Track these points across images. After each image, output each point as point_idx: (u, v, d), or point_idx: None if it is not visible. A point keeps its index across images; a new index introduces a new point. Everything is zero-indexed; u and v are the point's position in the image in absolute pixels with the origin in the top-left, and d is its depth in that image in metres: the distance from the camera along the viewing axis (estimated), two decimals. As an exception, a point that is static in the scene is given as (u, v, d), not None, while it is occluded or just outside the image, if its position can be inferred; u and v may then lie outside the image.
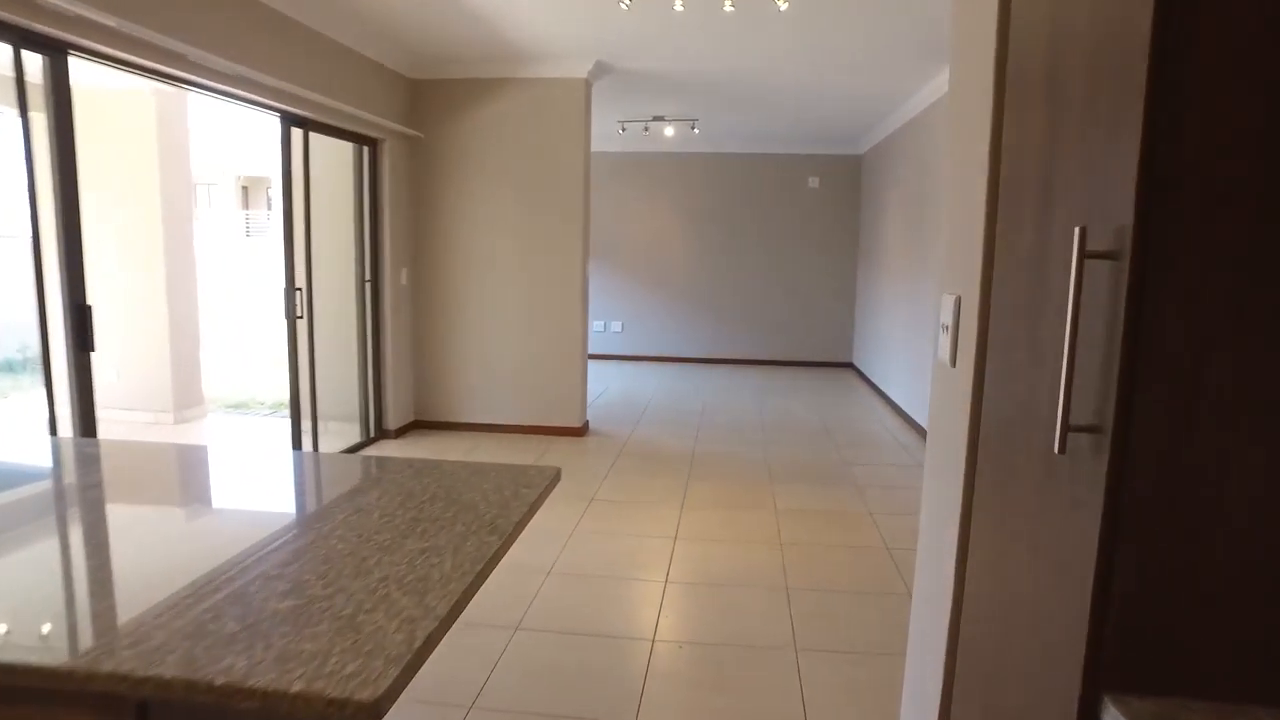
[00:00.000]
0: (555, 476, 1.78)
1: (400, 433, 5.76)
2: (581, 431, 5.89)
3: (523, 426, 5.88)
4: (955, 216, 1.93)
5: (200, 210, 15.47)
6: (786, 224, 9.63)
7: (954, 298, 1.79)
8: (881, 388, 7.81)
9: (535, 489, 1.68)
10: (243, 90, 3.92)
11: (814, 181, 9.52)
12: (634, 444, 5.67)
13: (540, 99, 5.61)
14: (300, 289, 4.64)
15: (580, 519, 4.10)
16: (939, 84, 5.99)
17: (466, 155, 5.76)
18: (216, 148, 12.96)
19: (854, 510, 4.27)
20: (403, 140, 5.62)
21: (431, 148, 5.80)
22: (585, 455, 5.34)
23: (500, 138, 5.70)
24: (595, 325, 9.96)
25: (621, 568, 3.50)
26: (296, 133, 4.55)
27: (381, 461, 1.91)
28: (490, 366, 5.90)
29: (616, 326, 10.00)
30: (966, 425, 1.59)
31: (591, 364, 9.53)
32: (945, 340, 1.79)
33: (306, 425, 4.80)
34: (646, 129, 7.87)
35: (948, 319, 1.78)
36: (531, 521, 1.59)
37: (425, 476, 1.75)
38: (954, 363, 1.75)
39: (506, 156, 5.70)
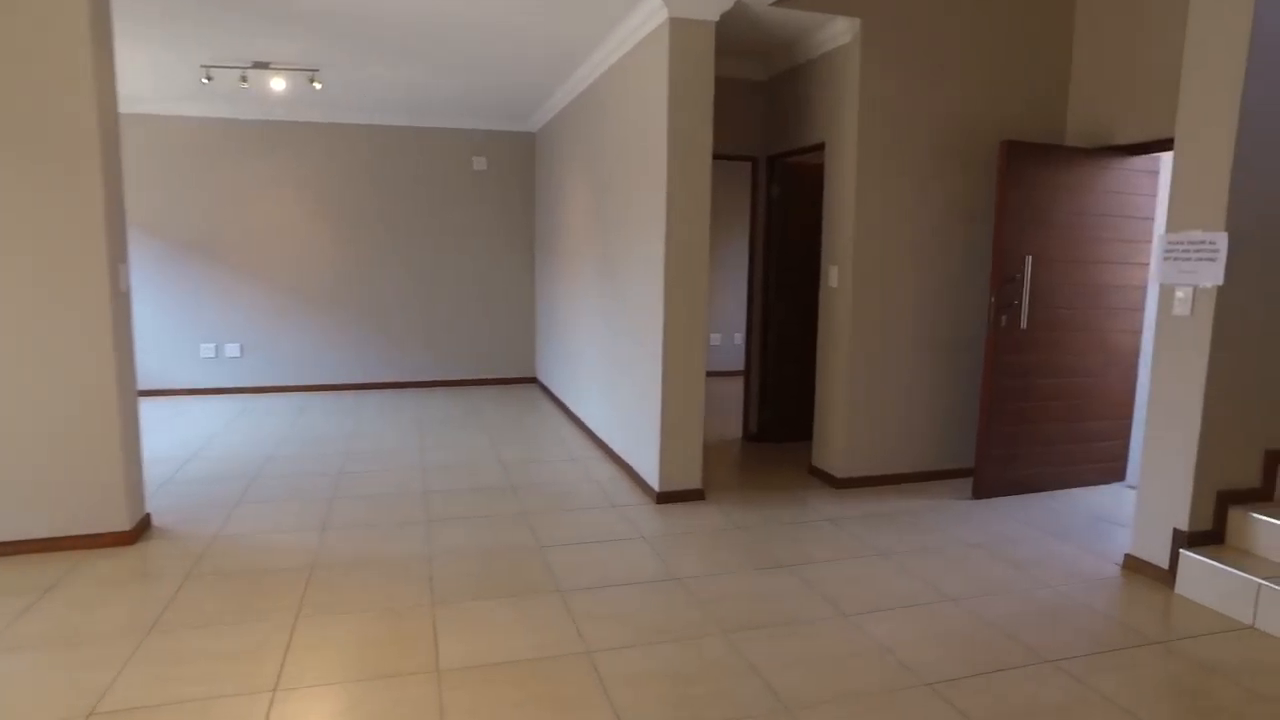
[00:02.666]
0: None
1: None
2: (131, 536, 3.73)
3: (20, 543, 3.57)
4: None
5: None
6: (449, 214, 7.96)
7: None
8: (570, 406, 6.52)
9: None
10: None
11: (479, 162, 7.96)
12: (219, 550, 3.67)
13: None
14: None
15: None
16: (621, 36, 4.73)
17: None
18: None
19: (565, 653, 2.78)
20: None
21: None
22: (121, 588, 3.25)
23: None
24: (204, 349, 7.47)
25: None
26: None
27: None
28: (-48, 446, 3.50)
29: (233, 350, 7.59)
30: None
31: (193, 403, 7.07)
32: None
33: None
34: (245, 79, 5.72)
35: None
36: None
37: None
38: None
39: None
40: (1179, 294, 3.33)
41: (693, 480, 4.48)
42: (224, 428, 6.19)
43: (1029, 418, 4.60)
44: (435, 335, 8.07)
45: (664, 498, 4.42)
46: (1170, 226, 3.39)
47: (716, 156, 5.36)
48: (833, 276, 4.74)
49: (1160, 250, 3.41)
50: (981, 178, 4.74)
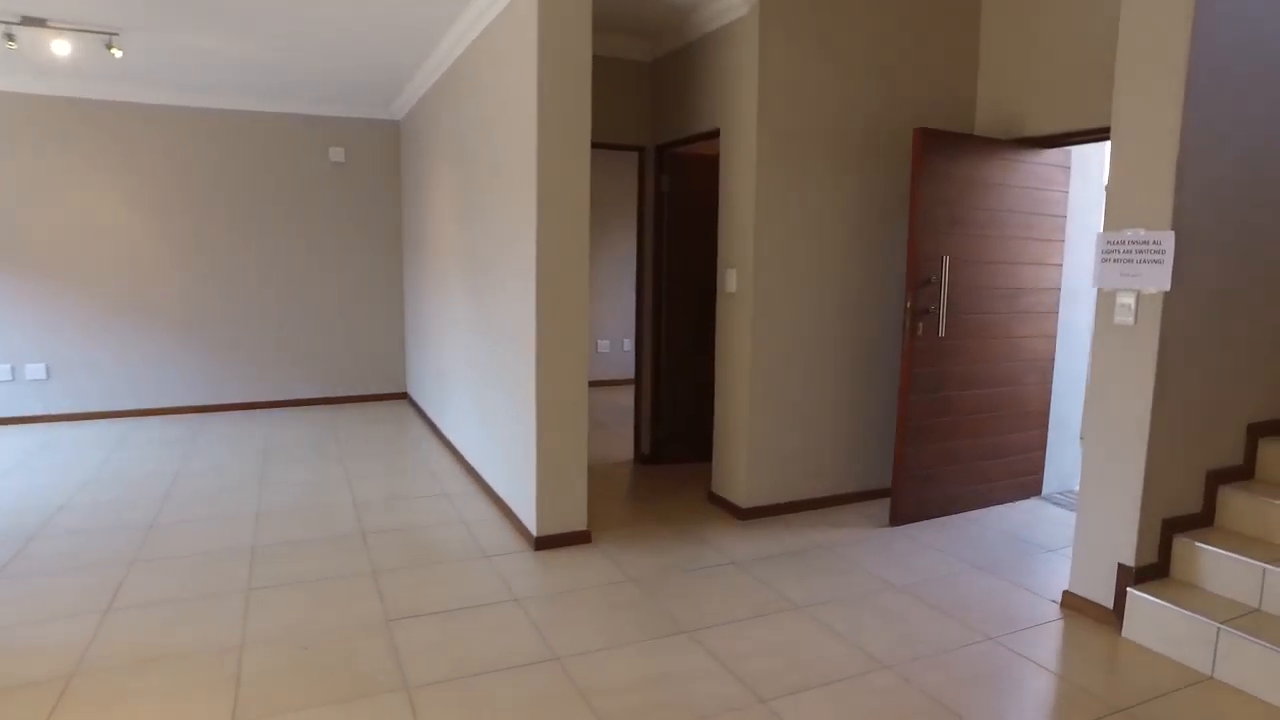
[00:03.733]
0: None
1: None
2: None
3: None
4: None
5: None
6: (305, 212, 7.03)
7: None
8: (442, 429, 5.77)
9: None
10: None
11: (337, 154, 7.06)
12: (-51, 652, 2.77)
13: None
14: None
15: None
16: (483, 3, 4.04)
17: None
18: None
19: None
20: None
21: None
22: None
23: None
24: (-1, 371, 6.29)
25: None
26: None
27: None
28: None
29: (36, 371, 6.41)
30: None
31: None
32: None
33: None
34: (11, 39, 4.65)
35: None
36: None
37: None
38: None
39: None
40: (1121, 300, 2.94)
41: (576, 520, 3.84)
42: (14, 467, 5.11)
43: (947, 434, 4.19)
44: (292, 348, 7.11)
45: (544, 543, 3.76)
46: (1109, 224, 3.00)
47: (598, 145, 4.74)
48: (730, 280, 4.20)
49: (1099, 251, 3.01)
50: (896, 172, 4.31)
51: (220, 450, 5.60)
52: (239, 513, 4.25)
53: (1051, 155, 4.29)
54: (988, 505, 4.46)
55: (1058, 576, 3.49)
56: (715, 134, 4.36)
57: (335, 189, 7.09)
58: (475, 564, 3.59)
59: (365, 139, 7.14)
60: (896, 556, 3.72)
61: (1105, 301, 3.01)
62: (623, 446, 5.76)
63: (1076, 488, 5.17)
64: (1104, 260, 2.98)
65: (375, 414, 6.92)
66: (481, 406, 4.70)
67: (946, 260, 3.96)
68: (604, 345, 8.51)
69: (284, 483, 4.80)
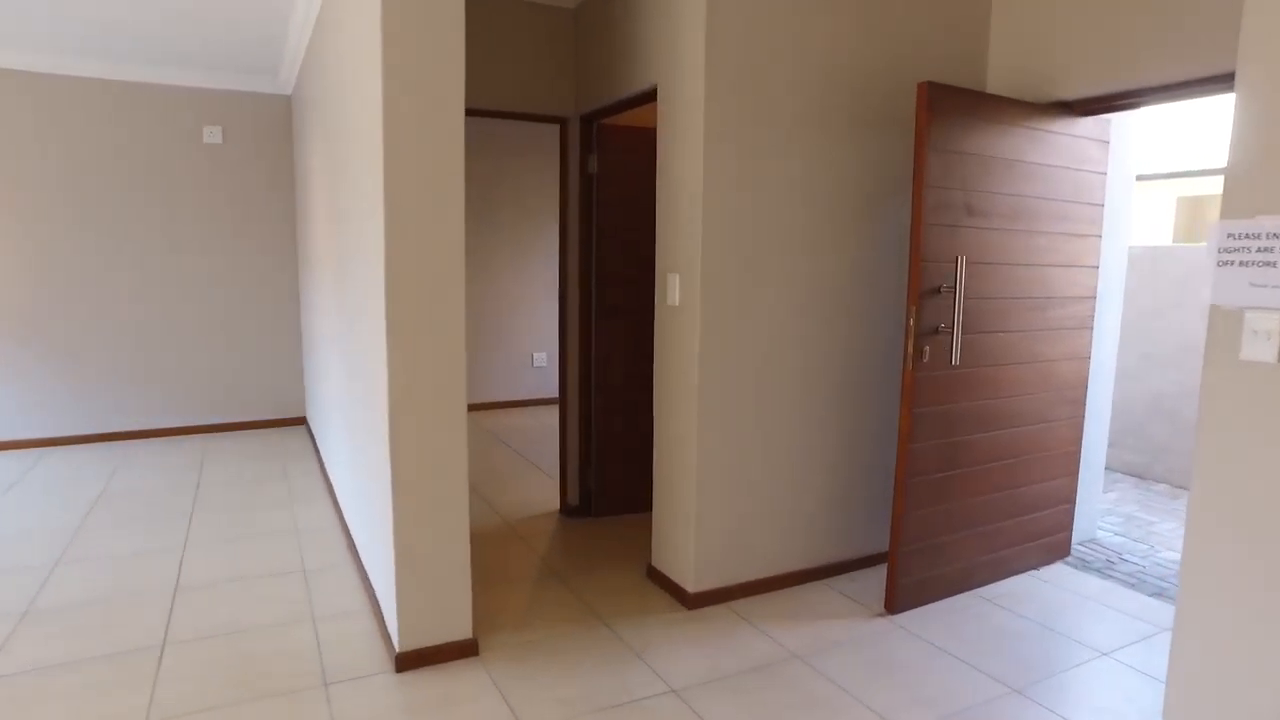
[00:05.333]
0: None
1: None
2: None
3: None
4: None
5: None
6: (175, 203, 5.83)
7: None
8: (329, 470, 4.63)
9: None
10: None
11: (213, 134, 5.87)
12: None
13: None
14: None
15: None
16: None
17: None
18: None
19: None
20: None
21: None
22: None
23: None
24: None
25: None
26: None
27: None
28: None
29: None
30: None
31: None
32: None
33: None
34: None
35: None
36: None
37: None
38: None
39: None
40: (1255, 323, 1.92)
41: (457, 626, 2.75)
42: None
43: (959, 490, 3.18)
44: (160, 367, 5.91)
45: (408, 661, 2.67)
46: (1228, 211, 1.98)
47: (508, 115, 3.66)
48: (672, 289, 3.14)
49: (1215, 249, 1.99)
50: (891, 144, 3.28)
51: (36, 503, 4.41)
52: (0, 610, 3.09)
53: (1088, 126, 3.29)
54: (1006, 575, 3.45)
55: (1134, 706, 2.48)
56: (653, 95, 3.29)
57: (211, 175, 5.90)
58: (306, 699, 2.49)
59: (249, 115, 5.96)
60: (900, 672, 2.69)
61: (1225, 325, 1.99)
62: (548, 492, 4.68)
63: (1098, 535, 4.22)
64: (1224, 263, 1.97)
65: (260, 446, 5.75)
66: (352, 448, 3.59)
67: (962, 262, 2.94)
68: (541, 359, 7.41)
69: (93, 556, 3.64)
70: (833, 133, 3.15)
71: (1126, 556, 3.83)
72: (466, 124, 6.75)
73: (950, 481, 3.14)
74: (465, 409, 2.67)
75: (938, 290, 2.96)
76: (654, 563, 3.41)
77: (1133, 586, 3.43)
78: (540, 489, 4.74)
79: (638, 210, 4.02)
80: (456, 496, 2.67)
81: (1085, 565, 3.64)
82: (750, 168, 2.99)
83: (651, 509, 3.50)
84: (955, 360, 2.96)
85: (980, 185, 2.99)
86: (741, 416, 3.12)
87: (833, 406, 3.33)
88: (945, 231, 2.93)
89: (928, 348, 2.96)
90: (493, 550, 3.75)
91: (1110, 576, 3.53)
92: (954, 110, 2.89)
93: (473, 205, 6.90)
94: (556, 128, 4.11)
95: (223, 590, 3.29)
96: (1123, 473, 5.40)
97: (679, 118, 3.04)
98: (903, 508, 3.03)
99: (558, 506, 4.39)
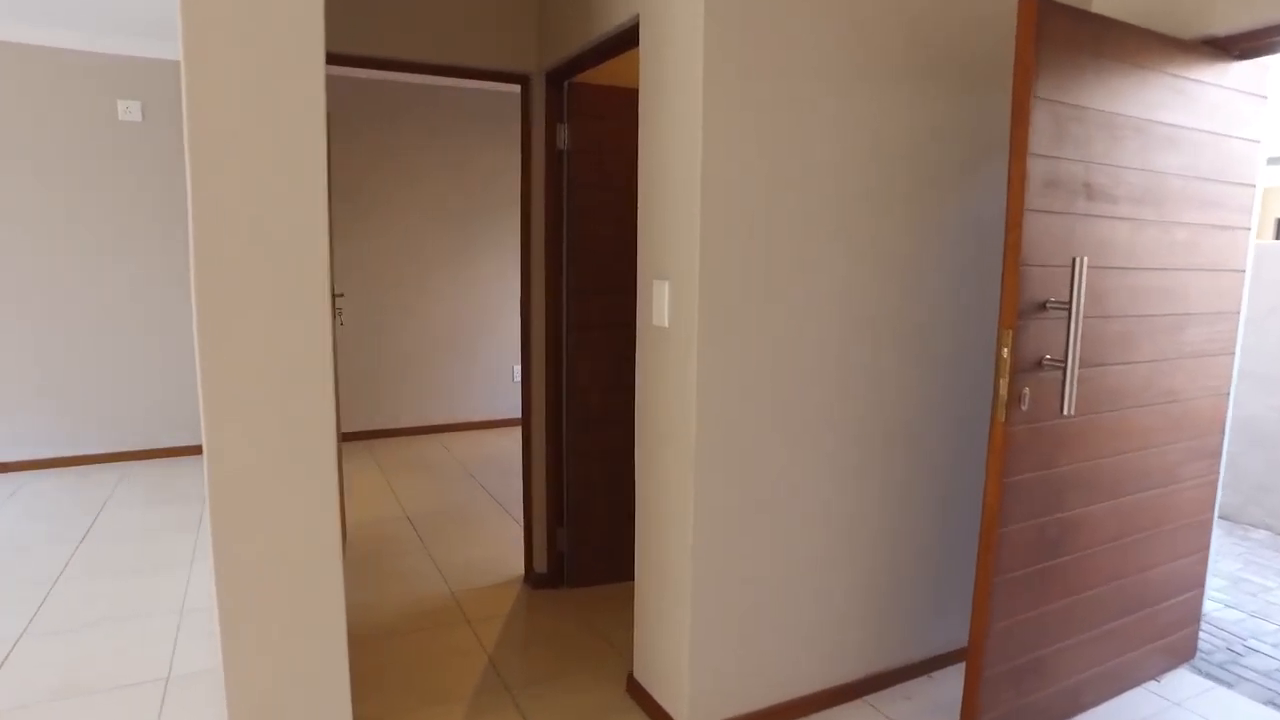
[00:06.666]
0: None
1: None
2: None
3: None
4: None
5: None
6: (80, 190, 4.94)
7: None
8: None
9: None
10: None
11: (129, 110, 4.98)
12: None
13: None
14: None
15: None
16: None
17: None
18: None
19: None
20: None
21: None
22: None
23: None
24: None
25: None
26: None
27: None
28: None
29: None
30: None
31: None
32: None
33: None
34: None
35: None
36: None
37: None
38: None
39: None
40: None
41: (335, 813, 1.85)
42: None
43: (1062, 585, 2.26)
44: (53, 384, 5.03)
45: None
46: None
47: (437, 70, 2.77)
48: (659, 304, 2.22)
49: None
50: (967, 98, 2.36)
51: (-125, 563, 3.53)
52: None
53: (1243, 74, 2.36)
54: (1117, 692, 2.53)
55: None
56: (633, 35, 2.38)
57: (128, 158, 5.01)
58: None
59: (173, 90, 5.06)
60: None
61: None
62: (515, 548, 3.78)
63: (1206, 608, 3.12)
64: None
65: (167, 481, 4.84)
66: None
67: (1081, 265, 2.00)
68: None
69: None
70: (882, 78, 2.23)
71: (1253, 643, 2.93)
72: (418, 93, 5.76)
73: (1051, 575, 2.22)
74: (336, 480, 1.76)
75: (1042, 306, 2.03)
76: (636, 673, 2.50)
77: (1273, 703, 2.51)
78: (505, 544, 3.84)
79: (624, 197, 3.11)
80: (325, 614, 1.77)
81: (1221, 677, 2.70)
82: (765, 124, 2.07)
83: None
84: (1068, 409, 2.03)
85: (1106, 156, 2.07)
86: (754, 479, 2.21)
87: (877, 465, 2.41)
88: (1056, 222, 2.01)
89: (1027, 390, 2.04)
90: (428, 643, 2.85)
91: (1242, 679, 2.61)
92: (1073, 44, 1.97)
93: (434, 193, 6.00)
94: (517, 90, 3.19)
95: (45, 714, 2.39)
96: (1217, 517, 4.45)
97: (668, 62, 2.12)
98: (987, 619, 2.11)
99: (522, 572, 3.48)
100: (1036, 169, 1.95)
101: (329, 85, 5.51)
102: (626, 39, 2.46)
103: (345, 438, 5.87)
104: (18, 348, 4.88)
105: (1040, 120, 1.94)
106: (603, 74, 3.01)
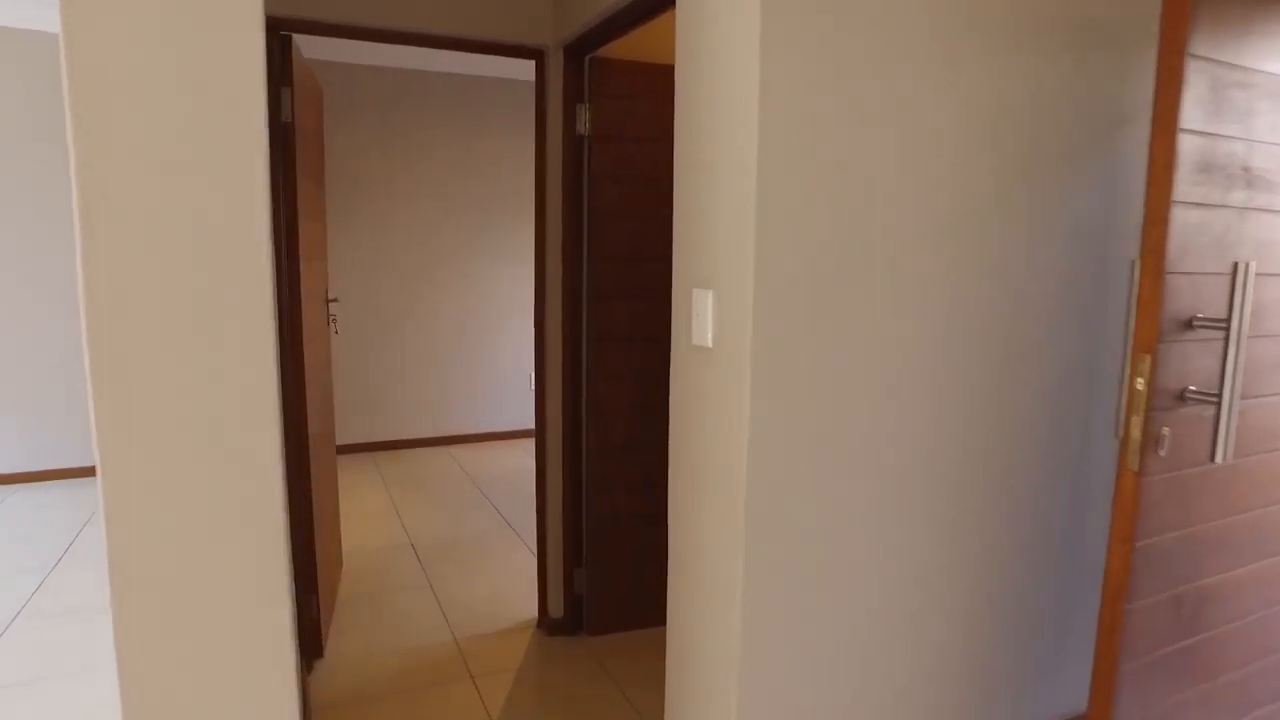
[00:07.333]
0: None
1: None
2: None
3: None
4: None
5: None
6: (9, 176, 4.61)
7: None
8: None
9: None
10: None
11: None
12: None
13: None
14: None
15: None
16: None
17: None
18: None
19: None
20: None
21: None
22: None
23: None
24: None
25: None
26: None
27: None
28: None
29: None
30: None
31: None
32: None
33: None
34: None
35: None
36: None
37: None
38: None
39: None
40: None
41: None
42: None
43: (1205, 666, 1.82)
44: (38, 395, 4.71)
45: None
46: None
47: (435, 42, 2.38)
48: (700, 317, 1.80)
49: None
50: (1079, 65, 1.92)
51: None
52: None
53: None
54: (1249, 787, 2.08)
55: None
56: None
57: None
58: None
59: (22, 56, 4.71)
60: None
61: None
62: (528, 585, 3.38)
63: None
64: None
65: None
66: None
67: (1246, 272, 1.57)
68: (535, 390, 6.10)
69: None
70: (985, 41, 1.80)
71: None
72: (421, 77, 5.31)
73: (1192, 655, 1.79)
74: (283, 521, 1.37)
75: (1188, 324, 1.60)
76: (668, 755, 2.09)
77: None
78: (517, 578, 3.45)
79: (654, 188, 2.70)
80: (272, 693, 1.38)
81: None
82: (844, 105, 1.66)
83: (663, 619, 2.18)
84: (1223, 455, 1.59)
85: (1274, 133, 1.63)
86: (817, 533, 1.79)
87: (970, 515, 1.98)
88: (1209, 216, 1.58)
89: (1167, 433, 1.61)
90: (422, 706, 2.46)
91: None
92: (1236, -13, 1.54)
93: (439, 184, 5.61)
94: (531, 65, 2.79)
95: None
96: None
97: (712, 22, 1.71)
98: (1108, 702, 1.68)
99: (535, 615, 3.08)
100: (1187, 149, 1.52)
101: (322, 71, 5.13)
102: (659, 1, 2.06)
103: (346, 450, 5.50)
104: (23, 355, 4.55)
105: (1195, 86, 1.51)
106: (630, 47, 2.61)
